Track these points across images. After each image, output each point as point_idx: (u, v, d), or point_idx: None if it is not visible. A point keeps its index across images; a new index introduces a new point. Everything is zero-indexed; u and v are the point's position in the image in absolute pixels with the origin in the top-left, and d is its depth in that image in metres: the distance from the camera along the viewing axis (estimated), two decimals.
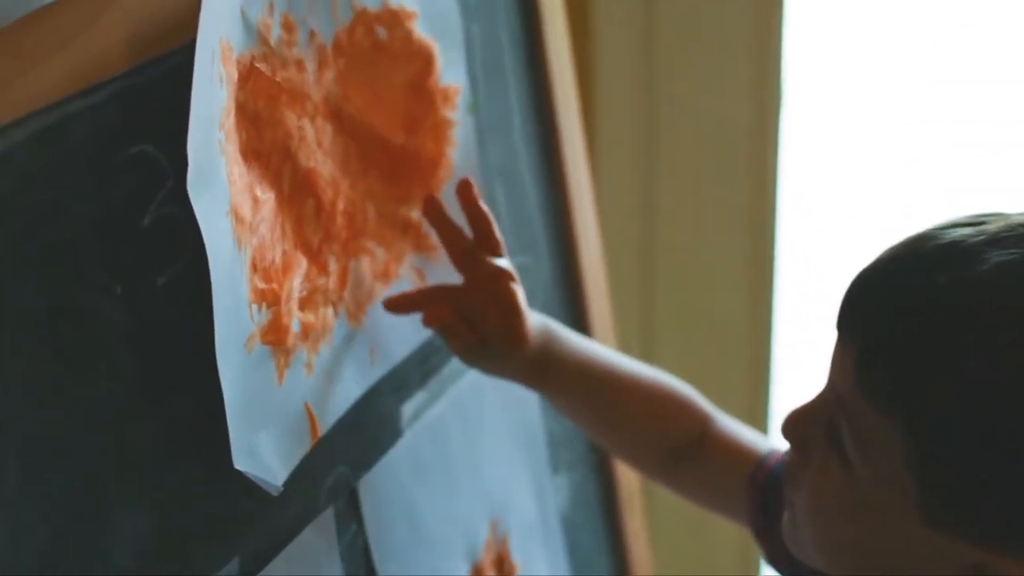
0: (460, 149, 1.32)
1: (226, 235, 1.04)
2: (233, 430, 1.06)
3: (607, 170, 2.10)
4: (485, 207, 1.27)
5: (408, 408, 1.32)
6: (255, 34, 1.06)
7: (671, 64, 2.08)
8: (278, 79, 1.10)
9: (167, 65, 1.01)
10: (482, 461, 1.44)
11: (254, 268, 1.09)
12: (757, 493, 1.26)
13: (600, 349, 1.35)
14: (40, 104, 0.91)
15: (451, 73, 1.30)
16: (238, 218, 1.05)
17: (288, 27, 1.10)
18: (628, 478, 1.69)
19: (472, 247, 1.27)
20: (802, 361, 2.30)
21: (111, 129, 0.97)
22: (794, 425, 1.06)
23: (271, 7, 1.08)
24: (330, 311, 1.19)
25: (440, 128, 1.30)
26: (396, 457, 1.30)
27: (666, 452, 1.34)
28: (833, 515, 1.02)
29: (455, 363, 1.36)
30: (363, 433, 1.25)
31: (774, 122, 2.08)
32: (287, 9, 1.10)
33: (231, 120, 1.04)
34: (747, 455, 1.30)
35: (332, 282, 1.20)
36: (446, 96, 1.30)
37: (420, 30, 1.25)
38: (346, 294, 1.22)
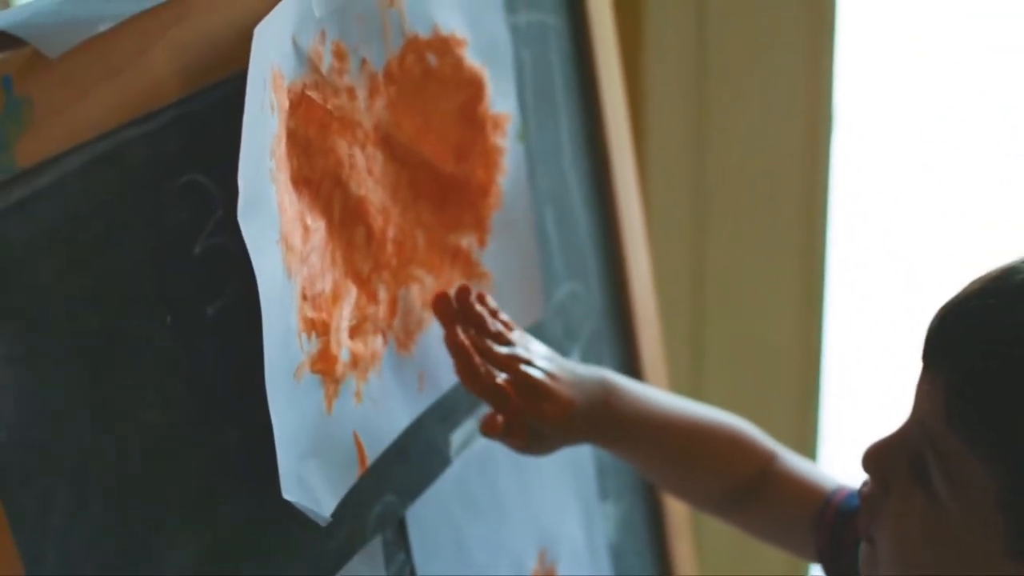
0: (510, 176, 1.32)
1: (276, 263, 1.04)
2: (282, 460, 1.05)
3: (657, 196, 2.09)
4: (481, 305, 1.26)
5: (457, 437, 1.32)
6: (306, 62, 1.06)
7: (722, 89, 2.06)
8: (329, 106, 1.10)
9: (218, 94, 1.01)
10: (530, 490, 1.43)
11: (304, 297, 1.08)
12: (826, 531, 1.25)
13: (658, 396, 1.33)
14: (92, 133, 0.91)
15: (501, 100, 1.29)
16: (288, 246, 1.05)
17: (340, 55, 1.10)
18: (676, 505, 1.68)
19: (474, 347, 1.24)
20: (852, 388, 2.29)
21: (162, 158, 0.97)
22: (876, 458, 1.04)
23: (323, 35, 1.08)
24: (379, 339, 1.19)
25: (490, 155, 1.30)
26: (444, 486, 1.29)
27: (729, 492, 1.33)
28: (916, 548, 1.01)
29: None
30: (411, 462, 1.25)
31: (825, 147, 2.06)
32: (339, 37, 1.10)
33: (282, 148, 1.04)
34: (813, 492, 1.28)
35: (382, 310, 1.19)
36: (496, 123, 1.29)
37: (471, 57, 1.25)
38: (395, 322, 1.21)
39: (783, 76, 2.03)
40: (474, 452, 1.34)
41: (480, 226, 1.30)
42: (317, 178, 1.10)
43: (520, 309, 1.35)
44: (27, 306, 0.88)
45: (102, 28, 0.90)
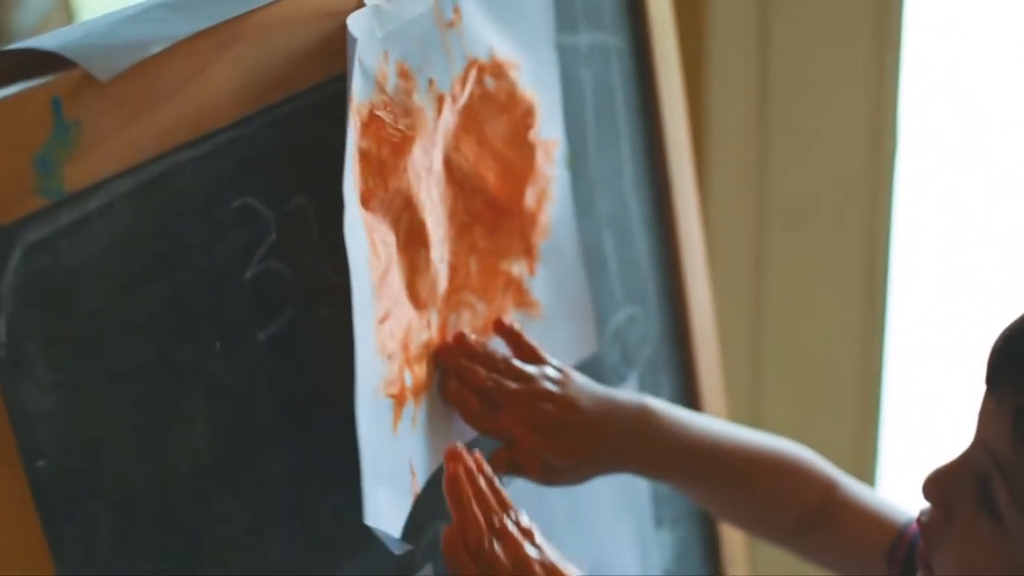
0: (557, 205, 1.29)
1: (367, 283, 1.03)
2: (367, 484, 1.04)
3: (718, 217, 2.07)
4: (501, 334, 1.24)
5: None
6: (373, 82, 1.05)
7: (785, 109, 2.04)
8: (401, 126, 1.08)
9: (273, 116, 1.00)
10: (583, 517, 1.41)
11: (380, 319, 1.08)
12: (899, 565, 1.22)
13: (706, 422, 1.29)
14: (142, 157, 0.90)
15: (550, 127, 1.27)
16: (371, 266, 1.03)
17: (404, 75, 1.09)
18: (733, 533, 1.66)
19: (481, 396, 1.20)
20: (913, 414, 2.26)
21: (215, 181, 0.95)
22: (938, 484, 1.01)
23: (385, 56, 1.07)
24: (431, 366, 1.18)
25: (540, 182, 1.27)
26: None
27: (789, 522, 1.29)
28: (980, 574, 0.98)
29: None
30: None
31: (888, 167, 2.03)
32: (401, 57, 1.08)
33: (356, 168, 1.03)
34: (883, 525, 1.25)
35: (434, 335, 1.18)
36: (547, 150, 1.27)
37: (523, 82, 1.23)
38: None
39: (847, 95, 2.00)
40: (526, 481, 1.31)
41: (529, 254, 1.28)
42: (389, 198, 1.09)
43: (571, 341, 1.33)
44: (75, 331, 0.87)
45: (154, 51, 0.88)
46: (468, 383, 1.18)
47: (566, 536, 1.38)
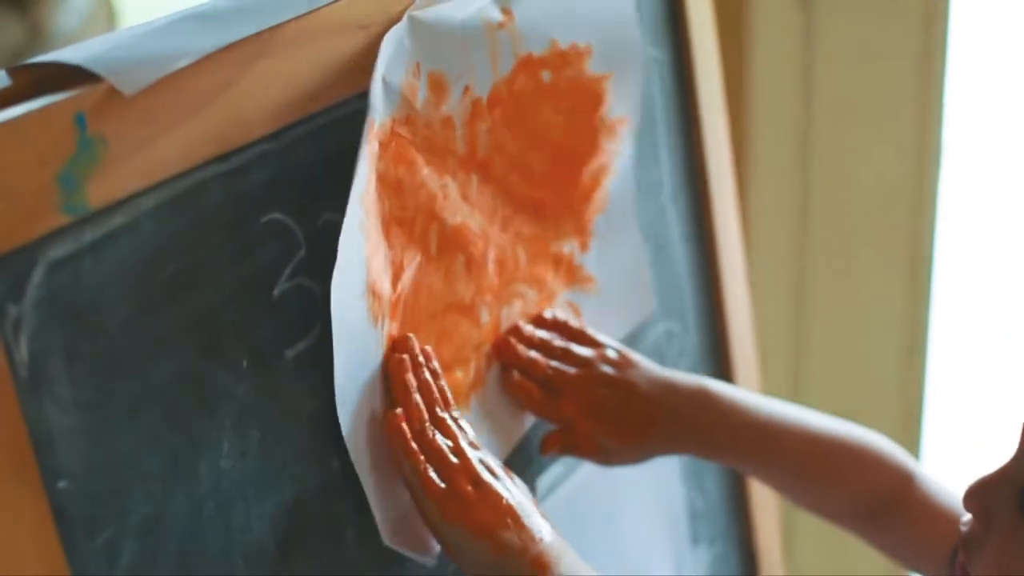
0: (618, 177, 1.29)
1: (360, 316, 1.01)
2: (377, 511, 1.03)
3: (760, 232, 2.04)
4: (545, 328, 1.25)
5: (544, 481, 1.28)
6: (398, 97, 1.03)
7: (828, 123, 2.01)
8: (419, 139, 1.06)
9: (302, 131, 0.98)
10: (618, 534, 1.39)
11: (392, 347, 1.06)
12: (961, 570, 1.20)
13: (775, 405, 1.28)
14: (169, 172, 0.88)
15: (621, 104, 1.26)
16: (375, 295, 1.02)
17: (437, 86, 1.07)
18: (771, 551, 1.63)
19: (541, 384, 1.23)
20: (955, 424, 2.23)
21: (243, 197, 0.94)
22: (980, 493, 1.00)
23: (416, 68, 1.05)
24: (483, 363, 1.18)
25: (600, 162, 1.27)
26: None
27: (860, 508, 1.29)
28: None
29: None
30: None
31: (933, 178, 2.00)
32: (436, 67, 1.06)
33: (372, 193, 1.01)
34: (952, 522, 1.21)
35: (484, 334, 1.17)
36: (612, 129, 1.27)
37: (593, 68, 1.22)
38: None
39: (891, 106, 1.98)
40: (561, 497, 1.30)
41: (582, 231, 1.28)
42: (410, 216, 1.07)
43: (627, 308, 1.34)
44: (98, 350, 0.85)
45: (181, 64, 0.87)
46: (529, 373, 1.21)
47: (601, 552, 1.36)
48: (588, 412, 1.22)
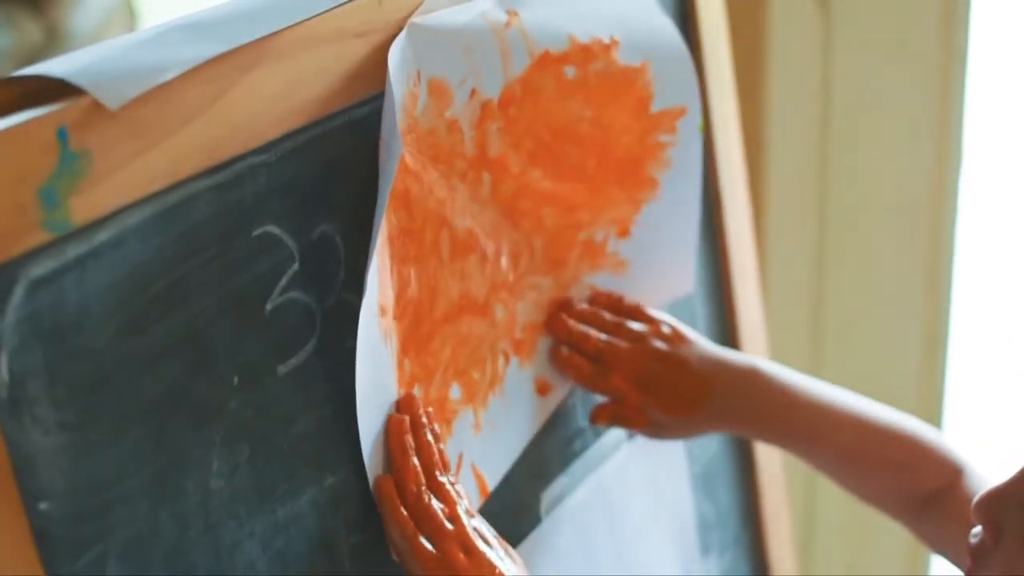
0: (675, 169, 1.28)
1: (374, 336, 1.00)
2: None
3: (777, 238, 2.02)
4: (595, 305, 1.25)
5: (549, 494, 1.26)
6: (402, 109, 1.01)
7: (845, 132, 1.99)
8: (424, 146, 1.05)
9: (298, 142, 0.96)
10: (625, 545, 1.37)
11: (404, 351, 1.05)
12: None
13: (825, 390, 1.29)
14: (156, 186, 0.86)
15: (670, 93, 1.25)
16: (383, 311, 1.01)
17: (438, 92, 1.05)
18: (782, 560, 1.61)
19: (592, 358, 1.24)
20: (972, 434, 2.21)
21: (234, 210, 0.92)
22: (988, 505, 1.00)
23: (417, 76, 1.03)
24: (500, 361, 1.17)
25: (646, 152, 1.26)
26: (533, 545, 1.24)
27: (908, 498, 1.29)
28: None
29: (599, 446, 1.30)
30: (498, 520, 1.18)
31: (952, 182, 1.98)
32: (437, 73, 1.04)
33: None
34: None
35: (500, 331, 1.17)
36: (664, 120, 1.25)
37: (624, 58, 1.20)
38: (517, 335, 1.20)
39: (910, 106, 1.95)
40: (566, 509, 1.28)
41: (622, 220, 1.27)
42: (419, 226, 1.06)
43: (662, 288, 1.33)
44: (81, 369, 0.83)
45: (168, 77, 0.85)
46: (580, 348, 1.23)
47: (607, 563, 1.34)
48: (639, 384, 1.24)
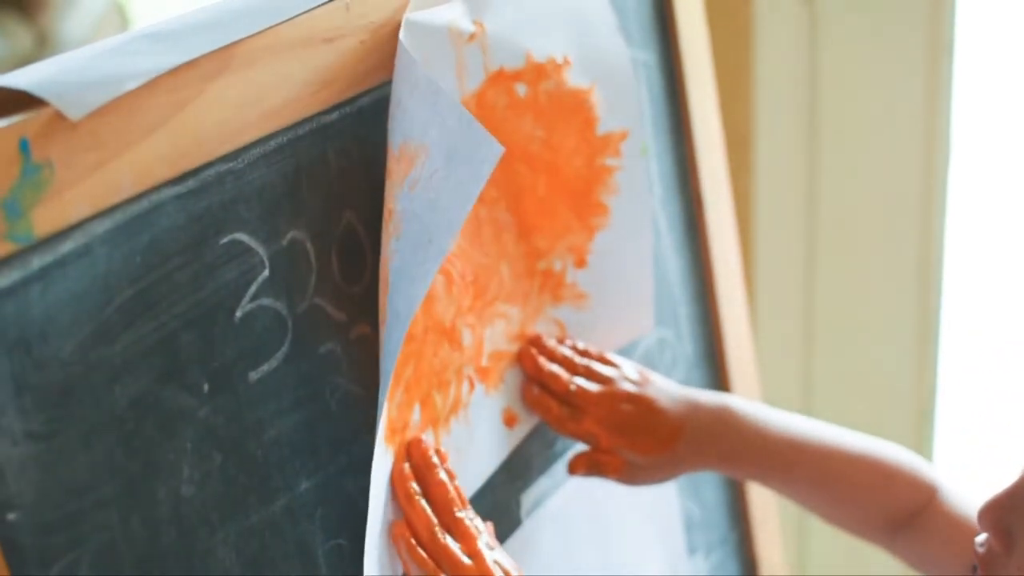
0: (623, 195, 1.27)
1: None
2: (370, 536, 1.02)
3: (765, 239, 2.02)
4: (564, 346, 1.25)
5: (529, 496, 1.26)
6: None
7: (834, 129, 1.99)
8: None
9: (266, 149, 0.96)
10: (610, 546, 1.37)
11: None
12: None
13: (797, 422, 1.29)
14: (121, 196, 0.86)
15: (615, 117, 1.24)
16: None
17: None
18: (770, 560, 1.61)
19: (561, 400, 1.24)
20: (966, 437, 2.20)
21: (202, 218, 0.92)
22: (996, 511, 0.99)
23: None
24: (465, 386, 1.16)
25: (595, 176, 1.25)
26: (514, 547, 1.23)
27: (883, 523, 1.29)
28: None
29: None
30: None
31: (941, 180, 1.98)
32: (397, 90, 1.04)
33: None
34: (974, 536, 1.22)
35: (467, 356, 1.15)
36: (606, 143, 1.24)
37: (574, 79, 1.19)
38: (483, 362, 1.18)
39: (897, 102, 1.95)
40: (548, 511, 1.28)
41: (578, 249, 1.26)
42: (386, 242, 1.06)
43: (621, 324, 1.33)
44: (50, 380, 0.83)
45: (130, 86, 0.85)
46: (550, 388, 1.23)
47: (591, 565, 1.34)
48: (611, 427, 1.23)
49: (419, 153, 0.99)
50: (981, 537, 1.01)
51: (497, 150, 0.97)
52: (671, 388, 1.27)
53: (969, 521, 1.24)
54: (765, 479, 1.31)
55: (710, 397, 1.27)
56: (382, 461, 1.03)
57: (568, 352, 1.25)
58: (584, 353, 1.27)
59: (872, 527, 1.30)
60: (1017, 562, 0.97)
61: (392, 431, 1.05)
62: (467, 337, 1.15)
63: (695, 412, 1.25)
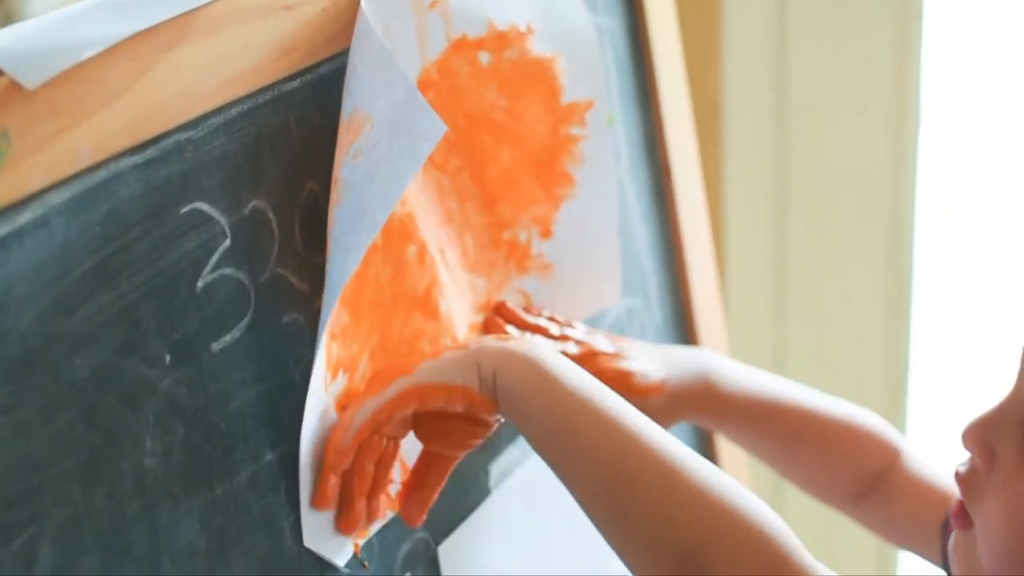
0: (588, 164, 1.26)
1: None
2: (305, 506, 1.01)
3: (735, 210, 2.01)
4: (535, 316, 1.25)
5: (497, 466, 1.25)
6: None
7: (803, 100, 1.99)
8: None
9: (226, 117, 0.95)
10: (578, 519, 1.35)
11: (332, 336, 1.03)
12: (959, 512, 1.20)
13: (770, 380, 1.31)
14: (80, 166, 0.85)
15: (580, 86, 1.23)
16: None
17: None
18: None
19: None
20: (938, 410, 2.21)
21: (162, 188, 0.91)
22: (979, 431, 1.00)
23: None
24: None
25: (560, 146, 1.24)
26: (481, 519, 1.23)
27: (849, 485, 1.30)
28: None
29: None
30: (444, 494, 1.18)
31: (911, 160, 1.98)
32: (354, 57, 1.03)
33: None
34: (941, 497, 1.25)
35: (443, 326, 1.15)
36: (571, 112, 1.23)
37: (537, 48, 1.19)
38: (457, 333, 1.17)
39: (867, 81, 1.95)
40: (516, 481, 1.27)
41: (543, 219, 1.26)
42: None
43: (590, 296, 1.32)
44: (8, 352, 0.82)
45: (88, 54, 0.84)
46: None
47: (561, 540, 1.33)
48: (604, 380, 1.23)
49: (365, 122, 0.98)
50: (961, 462, 1.02)
51: (440, 127, 0.96)
52: (647, 347, 1.28)
53: (932, 483, 1.26)
54: (737, 435, 1.32)
55: (687, 352, 1.29)
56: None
57: (544, 322, 1.25)
58: (555, 321, 1.27)
59: (839, 490, 1.31)
60: (999, 478, 0.98)
61: (345, 397, 1.04)
62: (443, 306, 1.15)
63: (670, 366, 1.26)
